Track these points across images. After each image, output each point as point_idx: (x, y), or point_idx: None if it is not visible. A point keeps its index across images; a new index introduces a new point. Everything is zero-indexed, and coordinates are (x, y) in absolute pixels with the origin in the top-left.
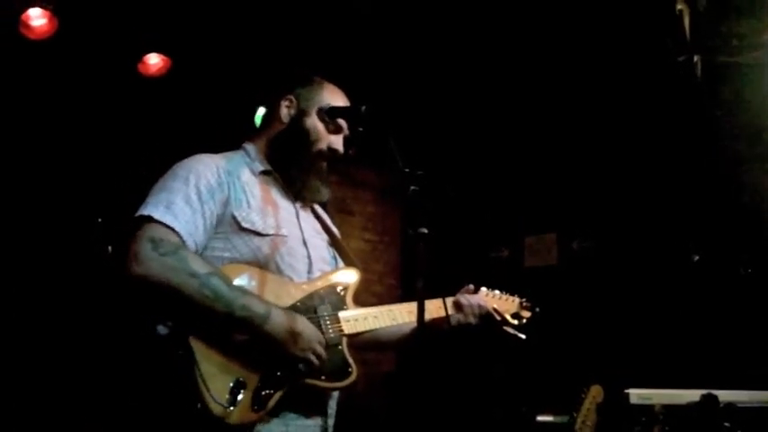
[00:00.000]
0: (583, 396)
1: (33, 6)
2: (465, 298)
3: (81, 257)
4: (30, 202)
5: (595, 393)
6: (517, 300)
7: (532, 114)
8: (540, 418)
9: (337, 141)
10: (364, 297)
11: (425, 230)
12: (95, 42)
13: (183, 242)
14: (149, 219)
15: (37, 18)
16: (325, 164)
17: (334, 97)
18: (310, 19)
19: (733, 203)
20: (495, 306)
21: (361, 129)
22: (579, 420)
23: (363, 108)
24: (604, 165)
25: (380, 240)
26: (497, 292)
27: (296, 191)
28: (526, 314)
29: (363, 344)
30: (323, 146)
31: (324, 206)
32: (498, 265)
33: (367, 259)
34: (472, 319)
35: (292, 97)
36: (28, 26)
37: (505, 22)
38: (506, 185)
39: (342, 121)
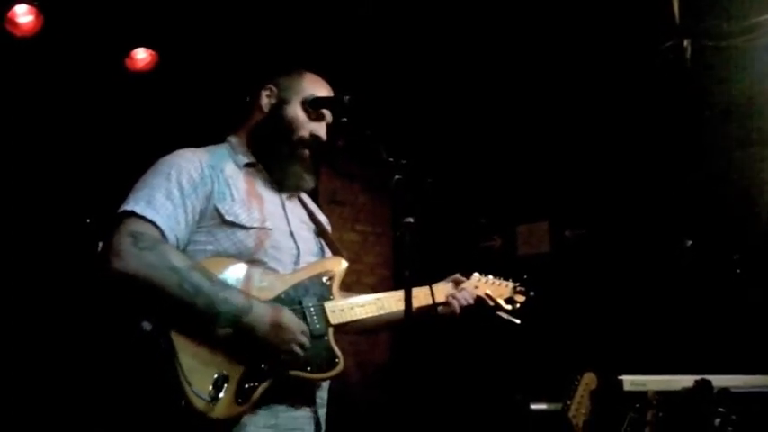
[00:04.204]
0: (576, 383)
1: (19, 3)
2: (452, 286)
3: (67, 254)
4: (17, 199)
5: (589, 380)
6: (511, 284)
7: (523, 103)
8: (533, 406)
9: (319, 128)
10: (356, 288)
11: (411, 220)
12: (82, 38)
13: (164, 236)
14: (130, 214)
15: (23, 15)
16: (307, 151)
17: (315, 86)
18: (297, 11)
19: (724, 188)
20: (488, 291)
21: (345, 119)
22: (573, 407)
23: (347, 98)
24: (596, 153)
25: (372, 231)
26: (490, 277)
27: (279, 180)
28: (520, 299)
29: (350, 330)
30: (304, 133)
31: (314, 197)
32: (490, 253)
33: (359, 250)
34: (458, 308)
35: (272, 87)
36: (14, 23)
37: (493, 12)
38: (498, 174)
39: (325, 111)
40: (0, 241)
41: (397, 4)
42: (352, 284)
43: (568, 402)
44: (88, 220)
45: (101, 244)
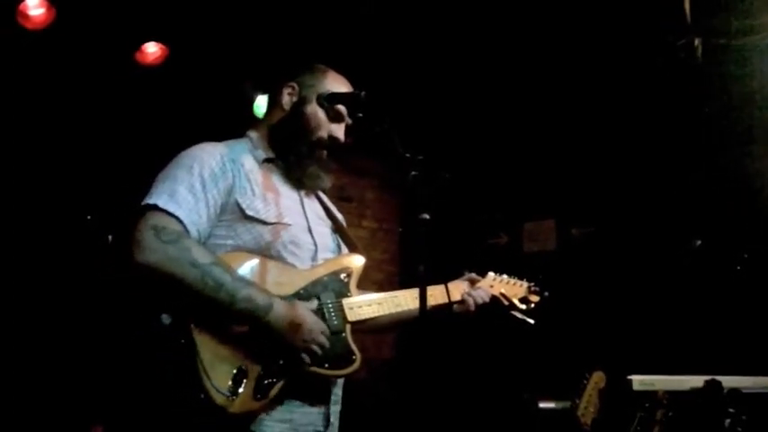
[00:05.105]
0: (585, 382)
1: None
2: (468, 285)
3: (79, 247)
4: (27, 193)
5: (597, 379)
6: (525, 284)
7: (531, 100)
8: (542, 405)
9: (338, 129)
10: (364, 285)
11: (427, 216)
12: (93, 32)
13: (186, 230)
14: (153, 207)
15: (35, 7)
16: (325, 152)
17: (337, 84)
18: (309, 4)
19: (727, 186)
20: (503, 290)
21: (360, 114)
22: (581, 406)
23: (363, 93)
24: (603, 150)
25: (379, 227)
26: (505, 276)
27: (297, 178)
28: (534, 298)
29: (366, 329)
30: (323, 133)
31: (324, 193)
32: (497, 250)
33: (366, 247)
34: (473, 307)
35: (294, 84)
36: (26, 16)
37: (500, 9)
38: (505, 171)
39: (342, 109)
40: (7, 236)
41: (403, 2)
42: (361, 281)
43: (577, 401)
44: (89, 217)
45: (110, 237)
